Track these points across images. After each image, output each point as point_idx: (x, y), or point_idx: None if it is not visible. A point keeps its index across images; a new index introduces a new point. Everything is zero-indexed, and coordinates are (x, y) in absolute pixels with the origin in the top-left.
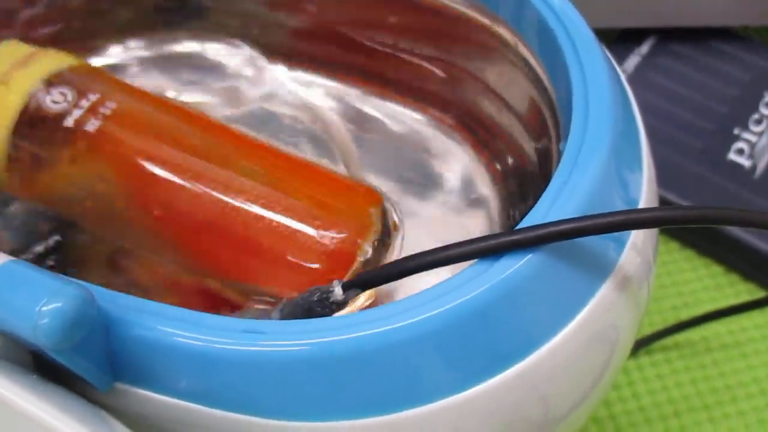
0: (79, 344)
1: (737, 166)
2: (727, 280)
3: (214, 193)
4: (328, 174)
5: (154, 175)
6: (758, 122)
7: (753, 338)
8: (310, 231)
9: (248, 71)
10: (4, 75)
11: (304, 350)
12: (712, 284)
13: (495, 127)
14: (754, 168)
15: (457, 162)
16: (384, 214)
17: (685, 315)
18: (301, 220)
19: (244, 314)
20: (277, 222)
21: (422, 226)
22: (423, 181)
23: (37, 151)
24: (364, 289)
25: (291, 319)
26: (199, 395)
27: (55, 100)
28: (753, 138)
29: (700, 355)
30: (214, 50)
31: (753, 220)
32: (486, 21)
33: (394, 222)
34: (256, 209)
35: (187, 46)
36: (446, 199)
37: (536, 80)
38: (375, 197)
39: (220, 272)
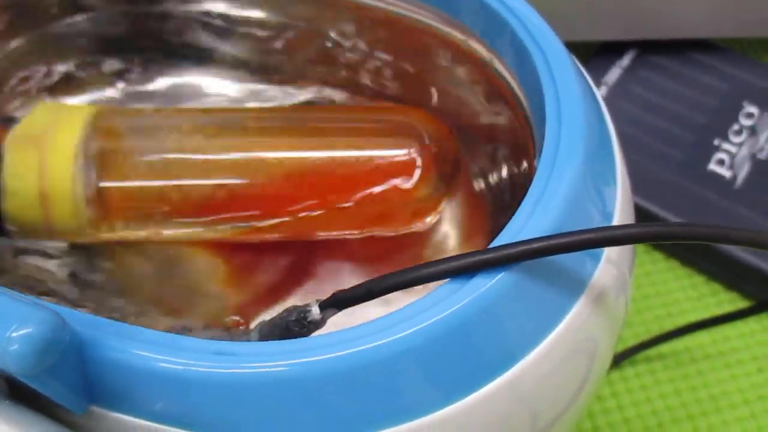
0: (52, 369)
1: (718, 177)
2: (710, 290)
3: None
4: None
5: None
6: (738, 133)
7: (736, 348)
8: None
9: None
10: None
11: (278, 371)
12: (695, 294)
13: (476, 144)
14: (734, 178)
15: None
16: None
17: (669, 325)
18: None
19: (224, 336)
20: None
21: (402, 242)
22: None
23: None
24: (340, 308)
25: (269, 338)
26: (175, 418)
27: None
28: (733, 149)
29: (683, 366)
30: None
31: (726, 237)
32: (462, 38)
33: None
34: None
35: (160, 82)
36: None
37: (513, 96)
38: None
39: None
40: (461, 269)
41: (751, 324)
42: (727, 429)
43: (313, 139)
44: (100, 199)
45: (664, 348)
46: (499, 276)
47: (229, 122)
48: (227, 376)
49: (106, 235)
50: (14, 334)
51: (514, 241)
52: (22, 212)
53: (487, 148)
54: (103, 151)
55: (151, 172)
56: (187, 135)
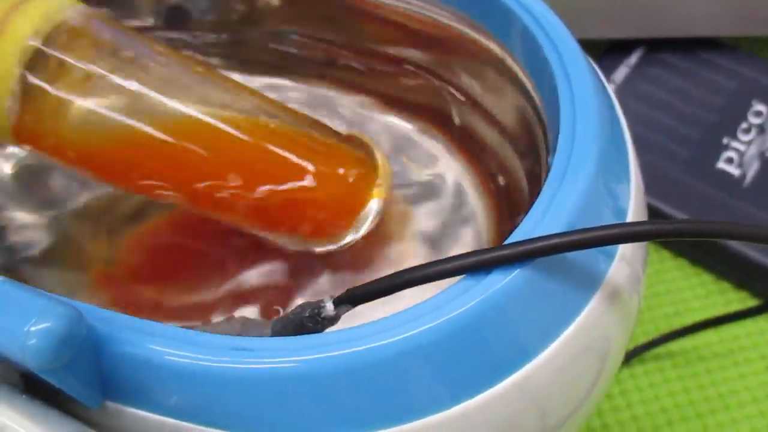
0: (69, 363)
1: (727, 175)
2: (719, 288)
3: (233, 132)
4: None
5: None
6: (747, 131)
7: (744, 347)
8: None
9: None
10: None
11: (293, 367)
12: (703, 293)
13: (487, 142)
14: (743, 177)
15: (449, 176)
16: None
17: (677, 324)
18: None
19: (233, 325)
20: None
21: (414, 240)
22: (415, 194)
23: (59, 83)
24: (355, 304)
25: (282, 335)
26: (190, 413)
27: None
28: (742, 147)
29: (692, 364)
30: None
31: (743, 234)
32: (475, 35)
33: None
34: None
35: None
36: (438, 214)
37: (525, 94)
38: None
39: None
40: (477, 265)
41: (760, 322)
42: (735, 427)
43: (256, 127)
44: (26, 101)
45: (673, 346)
46: (515, 273)
47: (197, 77)
48: (243, 372)
49: (32, 143)
50: (33, 329)
51: (529, 237)
52: None
53: (500, 146)
54: (61, 49)
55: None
56: (143, 71)
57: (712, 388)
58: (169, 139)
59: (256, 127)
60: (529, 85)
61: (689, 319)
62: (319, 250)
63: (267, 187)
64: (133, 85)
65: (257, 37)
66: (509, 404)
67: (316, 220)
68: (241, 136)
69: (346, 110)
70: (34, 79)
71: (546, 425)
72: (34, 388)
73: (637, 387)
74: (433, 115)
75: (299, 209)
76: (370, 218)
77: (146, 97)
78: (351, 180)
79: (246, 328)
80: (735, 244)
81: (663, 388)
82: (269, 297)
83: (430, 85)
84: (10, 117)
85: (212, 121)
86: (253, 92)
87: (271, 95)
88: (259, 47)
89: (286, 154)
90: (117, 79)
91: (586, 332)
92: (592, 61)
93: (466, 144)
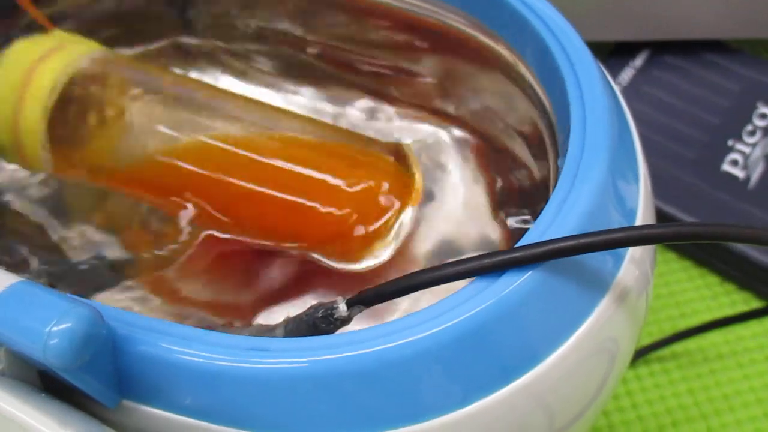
0: (88, 363)
1: (731, 177)
2: (723, 290)
3: (249, 155)
4: (349, 134)
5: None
6: (752, 134)
7: (749, 348)
8: (333, 181)
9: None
10: (43, 55)
11: (307, 367)
12: (708, 294)
13: (498, 144)
14: (748, 179)
15: (461, 178)
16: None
17: (682, 325)
18: (325, 173)
19: (248, 330)
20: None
21: (425, 240)
22: (427, 194)
23: (85, 116)
24: (368, 305)
25: (295, 335)
26: (205, 412)
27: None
28: (747, 149)
29: (697, 365)
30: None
31: (750, 236)
32: (487, 40)
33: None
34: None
35: None
36: (448, 216)
37: (535, 98)
38: (396, 149)
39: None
40: (489, 268)
41: (765, 324)
42: (740, 428)
43: (285, 149)
44: (62, 142)
45: (678, 347)
46: (526, 275)
47: (219, 105)
48: (258, 371)
49: (70, 175)
50: (55, 329)
51: (540, 240)
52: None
53: (510, 148)
54: (79, 97)
55: (117, 133)
56: (168, 105)
57: (716, 389)
58: (189, 162)
59: (277, 143)
60: (539, 89)
61: (694, 321)
62: (358, 267)
63: (294, 200)
64: (151, 113)
65: (269, 46)
66: (519, 406)
67: (349, 236)
68: (261, 155)
69: (356, 115)
70: (58, 127)
71: (555, 426)
72: (51, 386)
73: (642, 388)
74: (442, 117)
75: (328, 226)
76: (405, 230)
77: (163, 122)
78: (383, 194)
79: (261, 331)
80: (740, 246)
81: (668, 389)
82: (283, 299)
83: (441, 89)
84: (45, 164)
85: (229, 139)
86: (269, 107)
87: (280, 100)
88: (274, 52)
89: (307, 170)
90: (136, 110)
91: (596, 334)
92: (601, 65)
93: (477, 146)
